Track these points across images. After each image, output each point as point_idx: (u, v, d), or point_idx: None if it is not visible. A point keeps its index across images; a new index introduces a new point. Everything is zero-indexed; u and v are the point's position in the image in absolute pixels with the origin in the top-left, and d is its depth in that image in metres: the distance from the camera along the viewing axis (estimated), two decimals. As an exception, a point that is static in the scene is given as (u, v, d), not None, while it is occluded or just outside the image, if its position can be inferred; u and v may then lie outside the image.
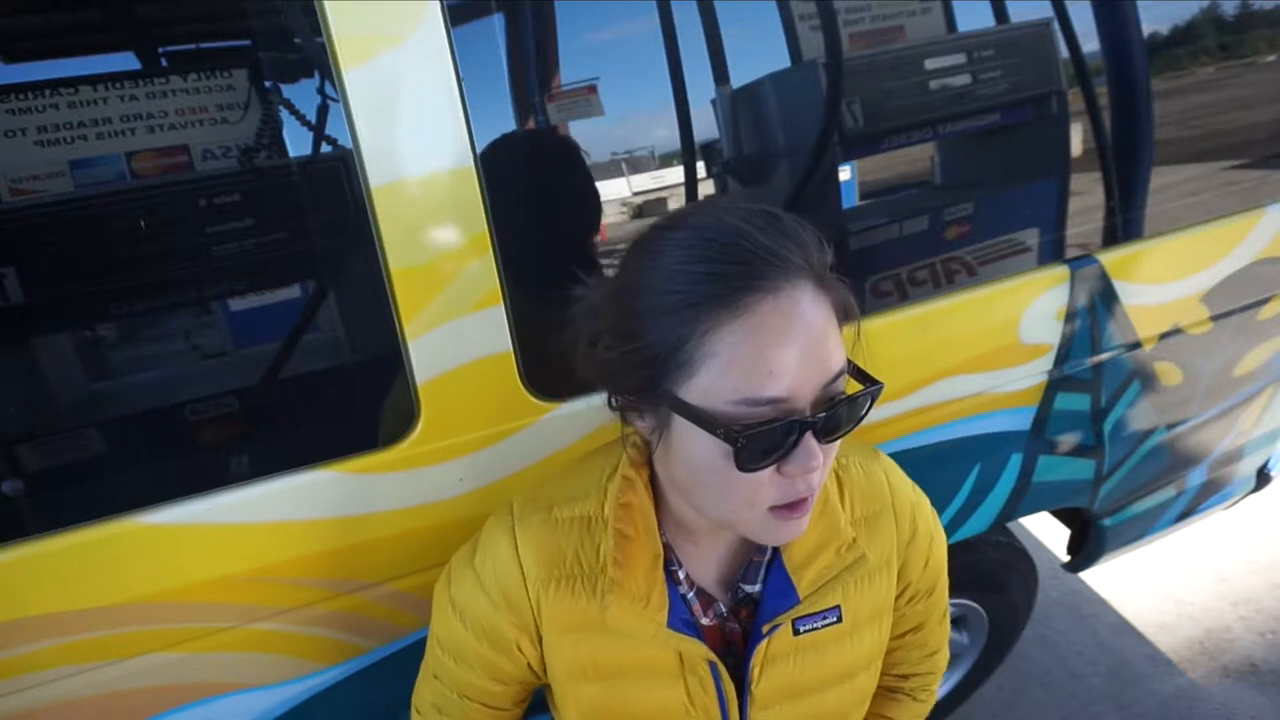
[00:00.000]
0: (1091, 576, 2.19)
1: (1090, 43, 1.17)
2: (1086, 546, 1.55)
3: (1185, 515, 1.62)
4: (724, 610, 0.68)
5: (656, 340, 0.52)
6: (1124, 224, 1.24)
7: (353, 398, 0.93)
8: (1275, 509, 2.37)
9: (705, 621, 0.68)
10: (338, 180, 0.80)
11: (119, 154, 0.75)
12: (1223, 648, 1.94)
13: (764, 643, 0.65)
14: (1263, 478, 1.74)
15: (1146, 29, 1.20)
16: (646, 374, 0.53)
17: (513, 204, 0.86)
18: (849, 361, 0.56)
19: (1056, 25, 1.14)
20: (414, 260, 0.80)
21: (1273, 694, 1.80)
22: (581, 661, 0.67)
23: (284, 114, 0.80)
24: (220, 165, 0.79)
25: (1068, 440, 1.30)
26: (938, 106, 1.11)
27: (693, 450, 0.55)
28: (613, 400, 0.61)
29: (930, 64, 1.08)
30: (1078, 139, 1.21)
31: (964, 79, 1.10)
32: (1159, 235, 1.25)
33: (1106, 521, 1.47)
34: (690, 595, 0.67)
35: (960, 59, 1.10)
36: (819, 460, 0.52)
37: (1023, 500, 1.30)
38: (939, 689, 1.66)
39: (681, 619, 0.64)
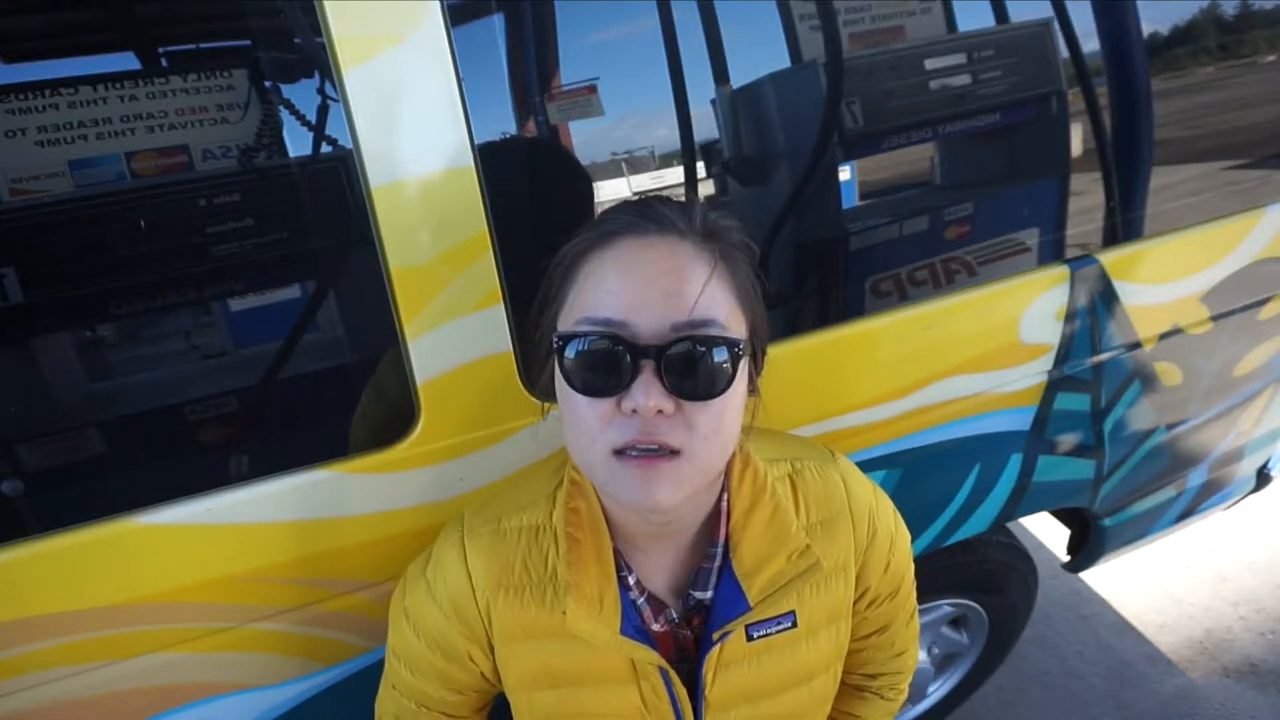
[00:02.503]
0: (1091, 576, 2.19)
1: (1090, 43, 1.17)
2: (1087, 547, 1.55)
3: (1185, 515, 1.62)
4: (675, 616, 0.68)
5: (552, 277, 0.59)
6: (1124, 224, 1.24)
7: (353, 398, 0.93)
8: (1275, 509, 2.37)
9: (656, 628, 0.67)
10: (338, 180, 0.80)
11: (119, 154, 0.75)
12: (1223, 648, 1.94)
13: (716, 649, 0.65)
14: (1263, 478, 1.74)
15: (1146, 29, 1.19)
16: (543, 309, 0.60)
17: (513, 204, 0.86)
18: (746, 340, 0.57)
19: (1056, 25, 1.14)
20: (414, 260, 0.80)
21: (1273, 694, 1.80)
22: (534, 670, 0.67)
23: (284, 114, 0.80)
24: (220, 165, 0.79)
25: (1068, 440, 1.30)
26: (938, 107, 1.11)
27: (556, 379, 0.58)
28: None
29: (930, 64, 1.08)
30: (1078, 139, 1.21)
31: (964, 79, 1.10)
32: (1159, 235, 1.25)
33: (1107, 522, 1.47)
34: (641, 601, 0.67)
35: (960, 59, 1.10)
36: (656, 400, 0.51)
37: (1023, 500, 1.30)
38: (940, 689, 1.67)
39: (633, 625, 0.64)
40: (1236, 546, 2.27)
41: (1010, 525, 1.51)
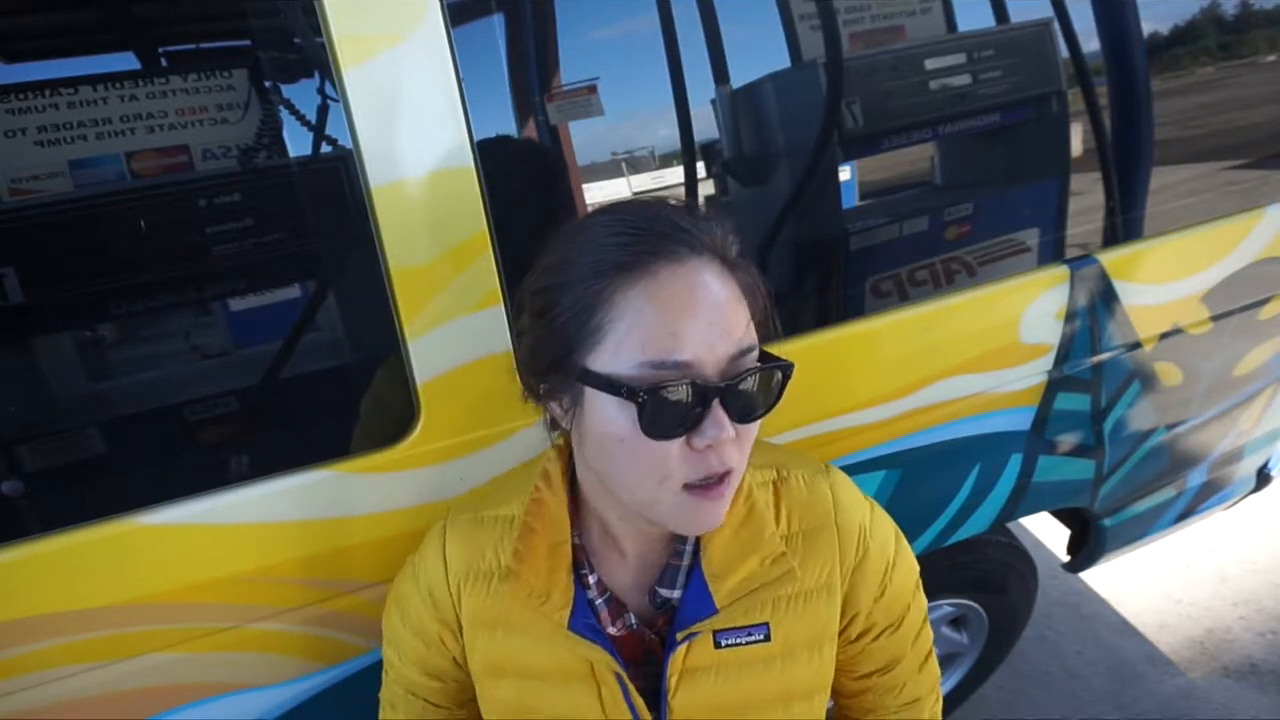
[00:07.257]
0: (1091, 576, 2.19)
1: (1090, 43, 1.17)
2: (1087, 546, 1.55)
3: (1185, 515, 1.62)
4: (634, 621, 0.66)
5: (569, 308, 0.53)
6: (1124, 224, 1.24)
7: (353, 398, 0.93)
8: (1275, 509, 2.37)
9: (613, 631, 0.66)
10: (338, 180, 0.80)
11: (119, 154, 0.75)
12: (1223, 648, 1.94)
13: (681, 651, 0.63)
14: (1263, 478, 1.74)
15: (1146, 29, 1.20)
16: (561, 347, 0.54)
17: (513, 204, 0.86)
18: (762, 351, 0.56)
19: (1056, 25, 1.14)
20: (414, 260, 0.80)
21: (1273, 694, 1.80)
22: (495, 658, 0.67)
23: (284, 114, 0.80)
24: (220, 165, 0.79)
25: (1068, 440, 1.30)
26: (938, 107, 1.11)
27: (603, 424, 0.54)
28: (538, 389, 0.59)
29: (930, 64, 1.08)
30: (1078, 139, 1.21)
31: (964, 79, 1.10)
32: (1159, 235, 1.25)
33: (1106, 521, 1.47)
34: (599, 602, 0.66)
35: (960, 59, 1.10)
36: (729, 432, 0.52)
37: (1023, 500, 1.30)
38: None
39: (585, 623, 0.62)
40: (1236, 546, 2.27)
41: (1010, 525, 1.51)
